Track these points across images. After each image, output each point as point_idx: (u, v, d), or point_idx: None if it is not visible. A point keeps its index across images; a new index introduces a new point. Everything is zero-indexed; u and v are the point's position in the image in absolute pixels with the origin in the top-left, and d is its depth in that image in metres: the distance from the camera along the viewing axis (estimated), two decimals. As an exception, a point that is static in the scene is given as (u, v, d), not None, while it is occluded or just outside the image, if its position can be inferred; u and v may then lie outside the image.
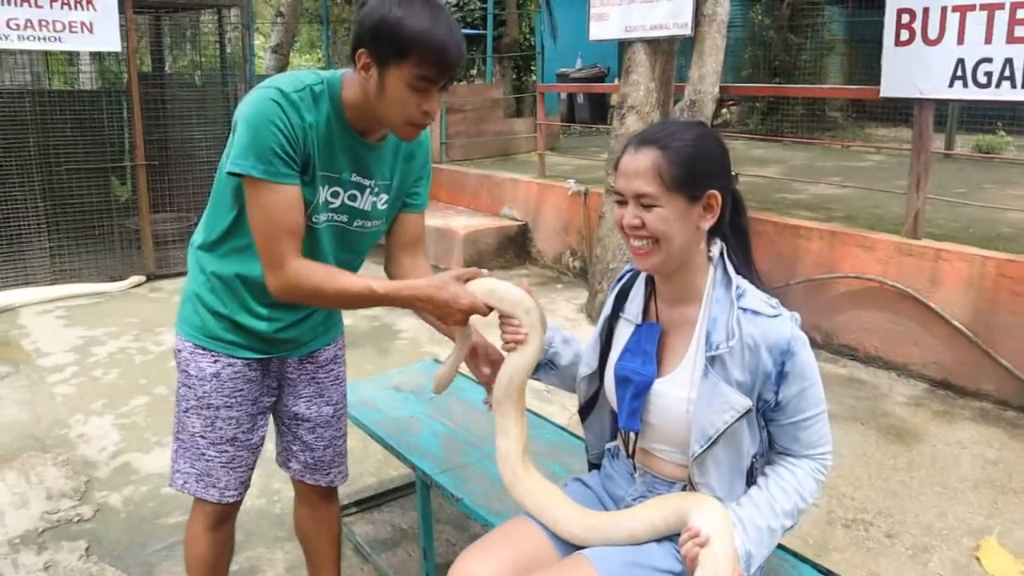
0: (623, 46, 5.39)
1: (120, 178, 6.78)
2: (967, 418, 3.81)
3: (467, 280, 1.70)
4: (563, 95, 11.31)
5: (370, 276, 1.71)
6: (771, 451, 1.66)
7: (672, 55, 5.14)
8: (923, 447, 3.52)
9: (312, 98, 1.64)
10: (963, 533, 2.86)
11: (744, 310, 1.53)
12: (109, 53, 6.23)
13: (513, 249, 6.91)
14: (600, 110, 11.28)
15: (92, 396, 4.08)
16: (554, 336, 1.87)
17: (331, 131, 1.67)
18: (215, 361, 1.83)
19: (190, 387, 1.85)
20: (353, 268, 1.84)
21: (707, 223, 1.55)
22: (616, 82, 5.85)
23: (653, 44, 5.05)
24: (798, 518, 1.60)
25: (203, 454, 1.88)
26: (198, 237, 1.84)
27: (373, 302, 1.69)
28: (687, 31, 4.90)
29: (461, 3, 12.95)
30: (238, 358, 1.84)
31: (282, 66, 12.74)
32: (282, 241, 1.62)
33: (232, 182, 1.68)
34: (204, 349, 1.82)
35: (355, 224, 1.80)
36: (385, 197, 1.82)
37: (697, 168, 1.51)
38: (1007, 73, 3.83)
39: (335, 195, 1.74)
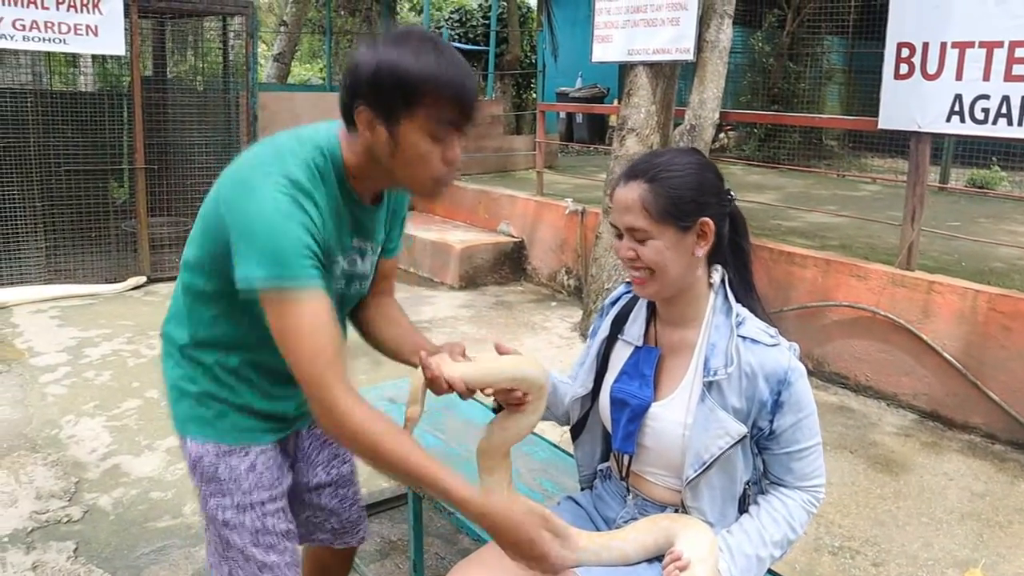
0: (625, 68, 5.45)
1: (118, 180, 6.79)
2: (955, 450, 3.84)
3: (554, 529, 1.50)
4: (562, 114, 11.39)
5: (446, 469, 1.39)
6: (764, 480, 1.68)
7: (674, 79, 5.20)
8: (911, 477, 3.54)
9: (320, 178, 1.40)
10: (948, 565, 2.88)
11: (743, 338, 1.55)
12: (111, 56, 6.25)
13: (509, 265, 6.94)
14: (598, 130, 11.37)
15: (84, 397, 4.07)
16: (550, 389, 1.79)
17: (338, 205, 1.46)
18: (246, 454, 1.56)
19: (224, 494, 1.55)
20: (342, 327, 1.61)
21: (702, 250, 1.57)
22: (615, 103, 5.91)
23: (655, 68, 5.10)
24: (787, 548, 1.62)
25: (263, 564, 1.58)
26: (179, 334, 1.57)
27: (433, 492, 1.40)
28: (689, 56, 4.95)
29: (463, 19, 13.05)
30: (268, 443, 1.60)
31: (283, 74, 12.81)
32: (329, 365, 1.33)
33: (209, 286, 1.47)
34: (231, 445, 1.55)
35: (353, 288, 1.62)
36: (378, 253, 1.68)
37: (683, 198, 1.52)
38: (1004, 110, 3.89)
39: (336, 264, 1.53)
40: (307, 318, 1.32)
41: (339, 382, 1.33)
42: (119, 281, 6.18)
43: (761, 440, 1.59)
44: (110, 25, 5.78)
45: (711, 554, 1.49)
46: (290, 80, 14.06)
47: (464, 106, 1.36)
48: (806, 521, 1.62)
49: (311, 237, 1.34)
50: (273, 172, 1.35)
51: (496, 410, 1.67)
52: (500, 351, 1.59)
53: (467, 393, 1.49)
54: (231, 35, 6.95)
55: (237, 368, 1.54)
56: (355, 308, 1.73)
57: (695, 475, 1.56)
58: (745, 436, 1.55)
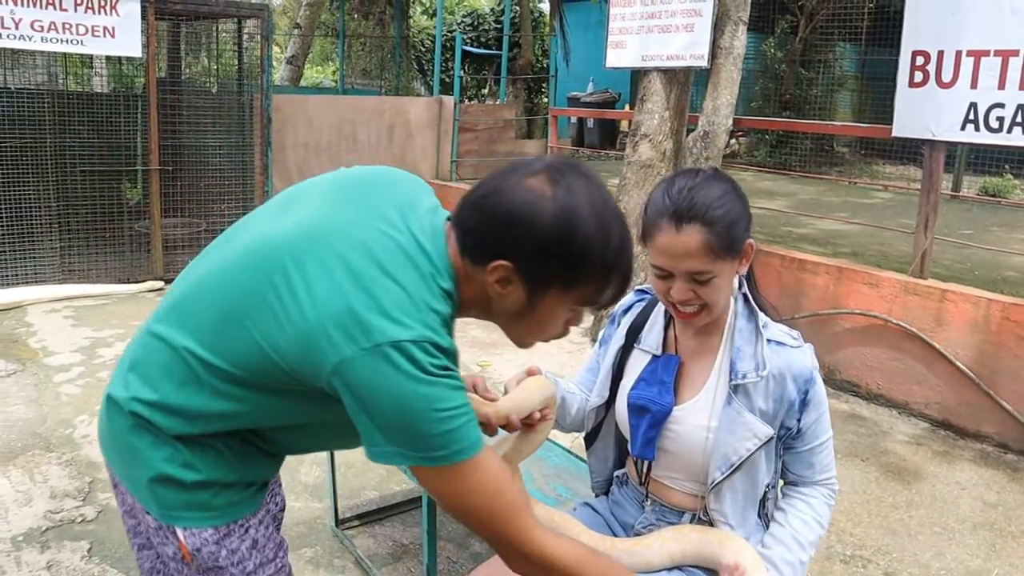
0: (638, 73, 5.45)
1: (132, 181, 6.83)
2: (967, 459, 3.82)
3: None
4: (574, 119, 11.40)
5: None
6: (783, 480, 1.71)
7: (687, 85, 5.20)
8: (923, 486, 3.53)
9: (451, 325, 1.20)
10: (961, 575, 2.87)
11: (769, 341, 1.59)
12: (127, 57, 6.29)
13: (519, 269, 6.92)
14: (610, 135, 11.39)
15: (98, 397, 4.08)
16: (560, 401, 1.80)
17: None
18: (246, 531, 1.35)
19: None
20: None
21: (744, 269, 1.61)
22: (627, 108, 5.91)
23: (669, 74, 5.11)
24: (817, 545, 1.66)
25: None
26: (172, 424, 1.24)
27: None
28: (704, 63, 4.96)
29: (476, 23, 13.08)
30: (261, 507, 1.39)
31: (296, 77, 12.86)
32: (522, 516, 1.21)
33: (249, 399, 1.22)
34: (230, 525, 1.32)
35: None
36: None
37: (737, 229, 1.53)
38: (1019, 119, 3.88)
39: None
40: (490, 477, 1.18)
41: (532, 521, 1.23)
42: (132, 282, 6.22)
43: (788, 440, 1.63)
44: (127, 27, 5.82)
45: (759, 560, 1.54)
46: (303, 83, 14.11)
47: (624, 290, 1.25)
48: (829, 516, 1.67)
49: (466, 398, 1.17)
50: (420, 339, 1.10)
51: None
52: (530, 373, 1.58)
53: (514, 426, 1.49)
54: (245, 37, 6.99)
55: (238, 450, 1.29)
56: None
57: (722, 477, 1.58)
58: (772, 438, 1.58)
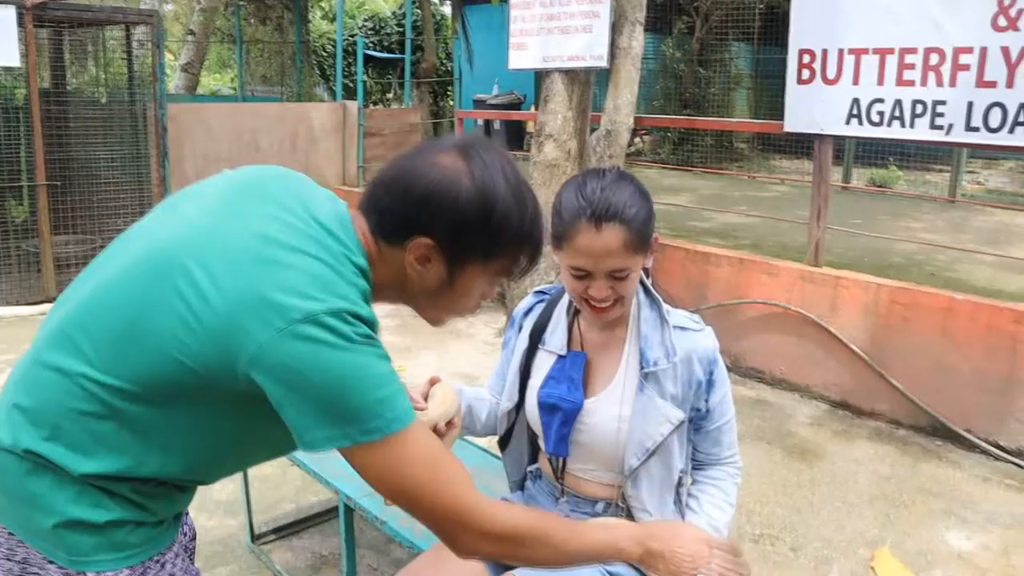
0: (541, 75, 5.52)
1: (16, 198, 6.49)
2: (863, 437, 4.03)
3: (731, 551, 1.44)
4: (480, 121, 11.45)
5: (608, 527, 1.38)
6: (693, 462, 1.77)
7: (589, 85, 5.30)
8: (824, 465, 3.70)
9: (367, 303, 1.15)
10: (860, 545, 3.03)
11: (674, 327, 1.65)
12: (4, 68, 5.97)
13: (431, 273, 6.91)
14: (516, 136, 11.47)
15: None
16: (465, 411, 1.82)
17: None
18: (162, 566, 1.26)
19: None
20: None
21: (649, 262, 1.65)
22: (533, 109, 5.97)
23: (570, 74, 5.19)
24: (730, 525, 1.74)
25: None
26: (74, 462, 1.13)
27: (614, 559, 1.37)
28: (603, 63, 5.06)
29: (378, 27, 12.97)
30: (176, 540, 1.30)
31: (192, 85, 12.48)
32: (467, 483, 1.17)
33: (160, 415, 1.13)
34: (145, 563, 1.22)
35: None
36: None
37: (649, 226, 1.58)
38: (896, 113, 4.12)
39: None
40: (424, 450, 1.13)
41: (477, 496, 1.18)
42: (23, 303, 5.90)
43: (698, 420, 1.69)
44: (3, 35, 5.52)
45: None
46: (200, 91, 13.70)
47: (536, 260, 1.26)
48: (736, 493, 1.76)
49: (392, 370, 1.13)
50: (338, 310, 1.07)
51: None
52: (433, 382, 1.62)
53: (440, 433, 1.51)
54: (135, 45, 6.74)
55: (151, 491, 1.20)
56: None
57: (639, 463, 1.62)
58: (683, 421, 1.64)
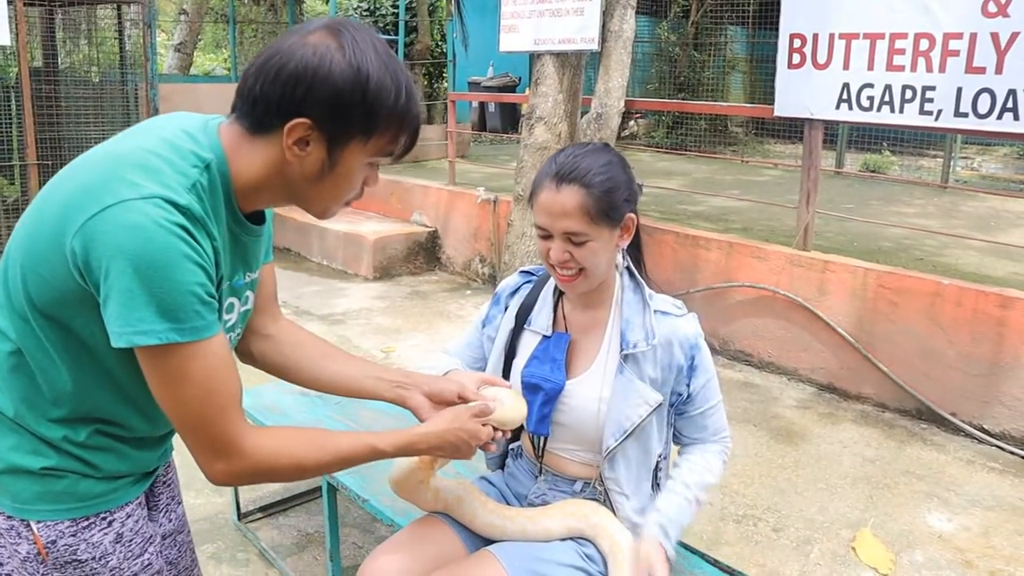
0: (533, 57, 5.51)
1: (8, 178, 6.47)
2: (849, 419, 4.06)
3: (479, 413, 1.48)
4: (475, 103, 11.41)
5: (364, 431, 1.36)
6: (678, 445, 1.79)
7: (580, 68, 5.29)
8: (809, 447, 3.74)
9: (206, 196, 1.15)
10: (842, 526, 3.06)
11: (656, 311, 1.66)
12: (-4, 46, 5.95)
13: (423, 255, 6.94)
14: (512, 119, 11.42)
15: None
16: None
17: (228, 231, 1.22)
18: (109, 523, 1.27)
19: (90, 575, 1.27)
20: None
21: (625, 243, 1.67)
22: (527, 92, 5.97)
23: (561, 57, 5.18)
24: (708, 491, 1.73)
25: None
26: (1, 402, 1.21)
27: (369, 461, 1.35)
28: (594, 46, 5.05)
29: (372, 8, 12.88)
30: (131, 501, 1.32)
31: (185, 65, 12.41)
32: (228, 417, 1.16)
33: (54, 337, 1.17)
34: (89, 517, 1.25)
35: (238, 331, 1.39)
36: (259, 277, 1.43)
37: (617, 198, 1.59)
38: (887, 98, 4.12)
39: (231, 308, 1.31)
40: (203, 371, 1.12)
41: (242, 427, 1.19)
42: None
43: (679, 405, 1.71)
44: (-7, 13, 5.49)
45: (624, 548, 1.62)
46: (193, 71, 13.63)
47: (416, 137, 1.25)
48: (720, 469, 1.75)
49: (206, 277, 1.11)
50: (152, 195, 1.07)
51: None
52: (488, 383, 1.61)
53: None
54: (127, 24, 6.70)
55: (87, 442, 1.23)
56: (248, 339, 1.51)
57: (616, 444, 1.64)
58: (661, 404, 1.65)
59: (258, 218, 1.31)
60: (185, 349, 1.10)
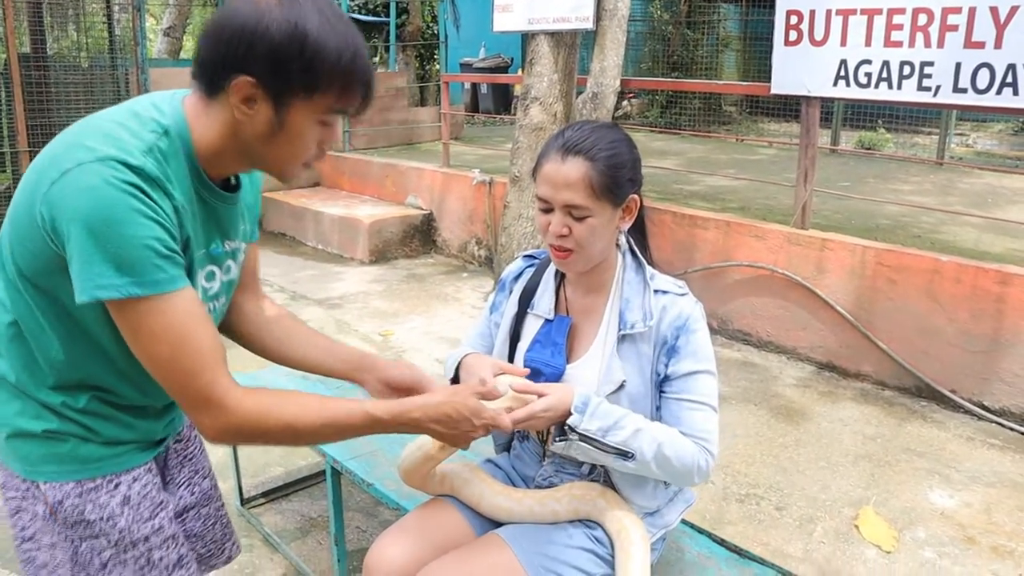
0: (527, 37, 5.46)
1: (-1, 165, 6.41)
2: (849, 398, 4.07)
3: (485, 395, 1.47)
4: (467, 84, 11.34)
5: (359, 398, 1.35)
6: None
7: (575, 47, 5.24)
8: (810, 425, 3.74)
9: (165, 160, 1.17)
10: (844, 504, 3.07)
11: (655, 291, 1.63)
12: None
13: (418, 238, 6.91)
14: (504, 100, 11.37)
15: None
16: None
17: (194, 196, 1.24)
18: (116, 486, 1.32)
19: (97, 536, 1.31)
20: None
21: (626, 225, 1.64)
22: (520, 72, 5.92)
23: (556, 36, 5.13)
24: (657, 458, 1.53)
25: None
26: (4, 369, 1.29)
27: (366, 431, 1.32)
28: (589, 25, 5.00)
29: (363, -11, 12.76)
30: (138, 466, 1.36)
31: (175, 49, 12.28)
32: (206, 370, 1.17)
33: (42, 305, 1.22)
34: (95, 479, 1.31)
35: (222, 300, 1.41)
36: (243, 251, 1.45)
37: (621, 176, 1.57)
38: (884, 75, 4.09)
39: (211, 277, 1.33)
40: (173, 324, 1.15)
41: (225, 381, 1.19)
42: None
43: (660, 384, 1.64)
44: (-20, -2, 5.42)
45: (638, 535, 1.60)
46: (183, 55, 13.50)
47: (368, 94, 1.25)
48: (688, 464, 1.54)
49: (166, 232, 1.14)
50: (105, 157, 1.11)
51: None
52: (504, 371, 1.60)
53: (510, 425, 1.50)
54: (116, 9, 6.62)
55: (86, 408, 1.28)
56: (231, 318, 1.52)
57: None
58: (623, 384, 1.59)
59: (231, 186, 1.34)
60: (149, 303, 1.13)
